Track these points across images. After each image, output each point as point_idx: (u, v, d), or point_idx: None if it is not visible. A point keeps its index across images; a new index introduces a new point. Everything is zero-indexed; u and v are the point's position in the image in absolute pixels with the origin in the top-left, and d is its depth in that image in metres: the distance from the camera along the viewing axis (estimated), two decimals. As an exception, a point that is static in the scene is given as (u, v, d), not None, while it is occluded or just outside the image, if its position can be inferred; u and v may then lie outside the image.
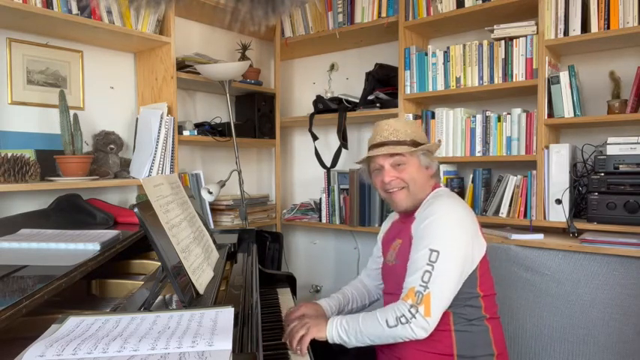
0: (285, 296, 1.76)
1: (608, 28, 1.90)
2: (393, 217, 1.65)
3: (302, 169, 3.24)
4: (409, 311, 1.24)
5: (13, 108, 2.01)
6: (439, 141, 2.33)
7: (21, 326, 0.89)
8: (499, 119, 2.19)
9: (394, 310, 1.26)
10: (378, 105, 2.55)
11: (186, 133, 2.43)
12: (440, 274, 1.25)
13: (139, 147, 2.26)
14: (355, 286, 1.69)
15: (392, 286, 1.44)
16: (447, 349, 1.32)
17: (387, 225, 1.66)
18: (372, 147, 1.49)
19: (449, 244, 1.28)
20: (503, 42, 2.15)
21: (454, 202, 1.39)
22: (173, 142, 2.26)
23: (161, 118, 2.20)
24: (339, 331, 1.31)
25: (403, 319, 1.23)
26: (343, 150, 2.68)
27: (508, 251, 1.98)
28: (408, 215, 1.48)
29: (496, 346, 1.37)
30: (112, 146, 2.22)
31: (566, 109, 2.00)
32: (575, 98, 1.99)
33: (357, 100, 2.66)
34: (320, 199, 2.81)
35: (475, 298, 1.36)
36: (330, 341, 1.33)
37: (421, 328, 1.23)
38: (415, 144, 1.44)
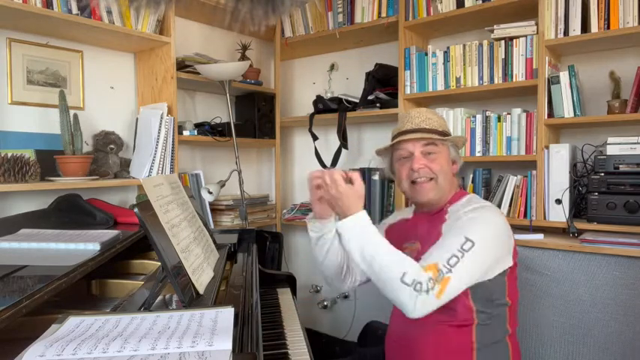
0: (285, 296, 1.76)
1: (608, 28, 1.90)
2: (401, 215, 1.59)
3: (302, 169, 3.24)
4: (427, 283, 1.15)
5: (13, 108, 2.01)
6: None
7: (21, 326, 0.89)
8: (499, 119, 2.19)
9: (417, 272, 1.16)
10: (378, 105, 2.55)
11: (186, 133, 2.43)
12: (466, 263, 1.19)
13: (139, 147, 2.26)
14: None
15: None
16: None
17: (393, 220, 1.60)
18: (399, 134, 1.41)
19: (486, 239, 1.24)
20: (503, 42, 2.15)
21: (497, 211, 1.35)
22: (173, 142, 2.26)
23: (161, 118, 2.20)
24: (352, 234, 1.22)
25: (418, 287, 1.14)
26: (343, 150, 2.68)
27: (508, 251, 1.98)
28: (426, 214, 1.44)
29: None
30: (112, 146, 2.22)
31: (566, 109, 2.00)
32: (575, 98, 1.99)
33: (357, 100, 2.66)
34: (320, 199, 2.81)
35: (503, 307, 1.32)
36: (339, 228, 1.25)
37: (425, 307, 1.15)
38: (446, 135, 1.41)
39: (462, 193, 1.45)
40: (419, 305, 1.14)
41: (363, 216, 1.24)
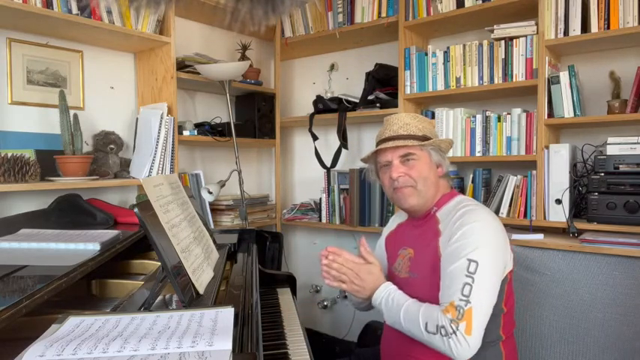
0: (285, 296, 1.76)
1: (608, 28, 1.90)
2: (398, 219, 1.59)
3: (302, 169, 3.24)
4: (450, 326, 1.15)
5: (13, 108, 2.01)
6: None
7: (21, 326, 0.89)
8: (499, 119, 2.19)
9: (436, 318, 1.18)
10: (378, 105, 2.55)
11: (186, 133, 2.43)
12: (480, 286, 1.18)
13: (139, 147, 2.26)
14: None
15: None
16: None
17: (391, 226, 1.61)
18: (380, 142, 1.42)
19: (487, 253, 1.22)
20: (503, 42, 2.15)
21: (487, 213, 1.32)
22: (173, 142, 2.26)
23: (161, 118, 2.20)
24: (382, 302, 1.31)
25: (443, 331, 1.16)
26: (343, 150, 2.68)
27: (508, 251, 1.98)
28: (417, 219, 1.44)
29: None
30: (112, 146, 2.22)
31: (566, 109, 2.00)
32: (575, 98, 1.99)
33: (357, 100, 2.66)
34: (320, 199, 2.81)
35: (498, 315, 1.28)
36: (373, 303, 1.34)
37: (462, 348, 1.14)
38: (427, 139, 1.38)
39: (451, 194, 1.43)
40: (454, 348, 1.15)
41: (379, 294, 1.32)
